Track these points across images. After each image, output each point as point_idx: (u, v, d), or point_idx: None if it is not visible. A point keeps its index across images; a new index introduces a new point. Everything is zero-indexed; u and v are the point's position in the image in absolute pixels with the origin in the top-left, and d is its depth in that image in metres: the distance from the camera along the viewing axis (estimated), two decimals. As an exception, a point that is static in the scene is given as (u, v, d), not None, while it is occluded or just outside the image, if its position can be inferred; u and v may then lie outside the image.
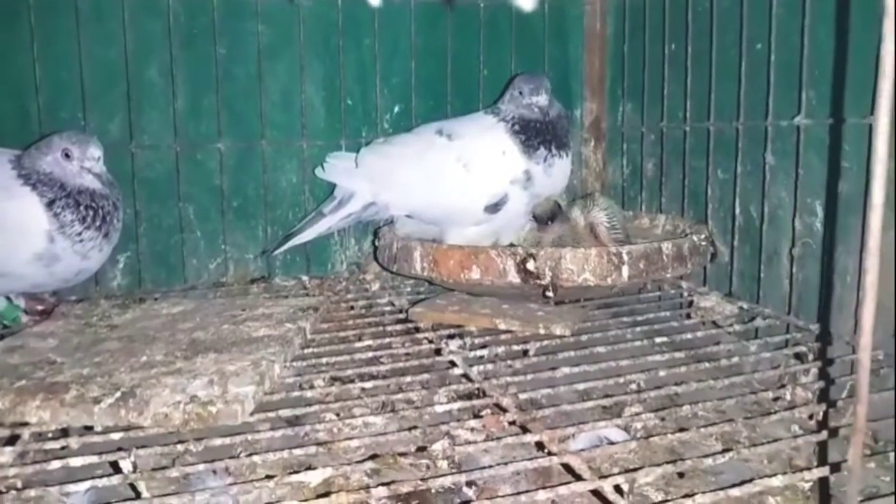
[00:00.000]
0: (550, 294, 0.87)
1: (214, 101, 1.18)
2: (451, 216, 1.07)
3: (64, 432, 0.67)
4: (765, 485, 0.51)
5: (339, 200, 1.14)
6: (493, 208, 1.04)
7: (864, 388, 0.38)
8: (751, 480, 0.52)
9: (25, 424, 0.66)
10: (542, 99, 1.02)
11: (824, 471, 0.54)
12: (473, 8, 1.29)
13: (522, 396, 0.70)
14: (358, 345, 0.89)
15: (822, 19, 0.87)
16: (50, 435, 0.66)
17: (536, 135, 1.02)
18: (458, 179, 1.04)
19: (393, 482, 0.53)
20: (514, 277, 0.87)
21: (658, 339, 0.87)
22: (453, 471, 0.61)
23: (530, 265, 0.86)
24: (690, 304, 1.03)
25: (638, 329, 0.91)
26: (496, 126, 1.04)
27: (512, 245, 1.09)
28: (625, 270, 0.87)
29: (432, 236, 1.10)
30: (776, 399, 0.71)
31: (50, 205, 0.91)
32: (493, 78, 1.31)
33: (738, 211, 1.04)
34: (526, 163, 1.02)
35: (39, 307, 1.04)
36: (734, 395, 0.71)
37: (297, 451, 0.59)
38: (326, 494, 0.51)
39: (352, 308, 1.07)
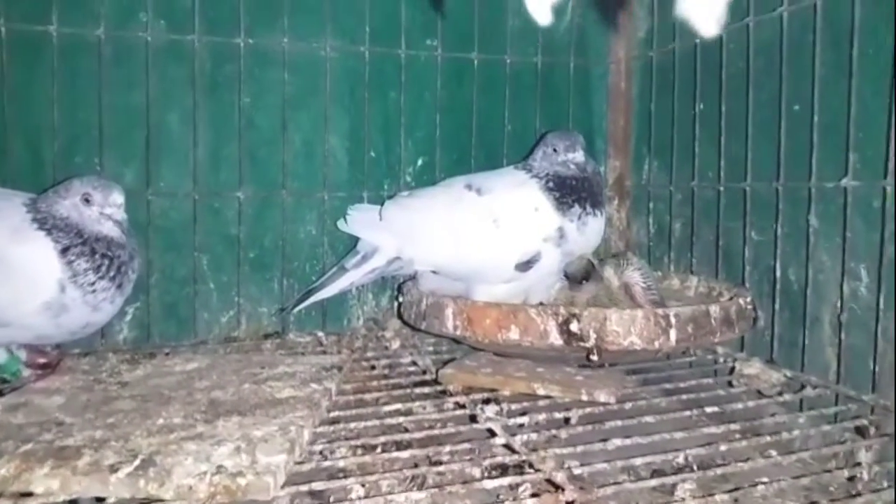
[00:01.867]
0: (595, 358, 0.82)
1: (236, 150, 1.14)
2: (480, 273, 1.03)
3: (73, 504, 0.60)
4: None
5: (362, 255, 1.09)
6: (525, 266, 1.00)
7: None
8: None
9: (30, 495, 0.59)
10: (579, 155, 0.99)
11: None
12: (499, 64, 1.28)
13: (576, 472, 0.65)
14: (386, 409, 0.83)
15: (869, 79, 0.86)
16: (54, 506, 0.59)
17: (571, 192, 0.99)
18: (488, 235, 1.00)
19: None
20: (555, 339, 0.82)
21: (708, 409, 0.81)
22: None
23: (574, 326, 0.81)
24: (731, 370, 0.98)
25: (684, 397, 0.86)
26: (529, 182, 1.01)
27: (542, 304, 1.04)
28: (672, 334, 0.82)
29: (457, 293, 1.06)
30: (851, 479, 0.66)
31: (64, 252, 0.86)
32: (517, 134, 1.30)
33: (778, 274, 1.00)
34: (560, 220, 0.99)
35: (42, 360, 0.97)
36: (806, 474, 0.66)
37: (340, 533, 0.53)
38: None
39: (373, 368, 1.01)
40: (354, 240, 1.16)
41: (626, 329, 0.81)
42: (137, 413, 0.73)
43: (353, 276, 1.10)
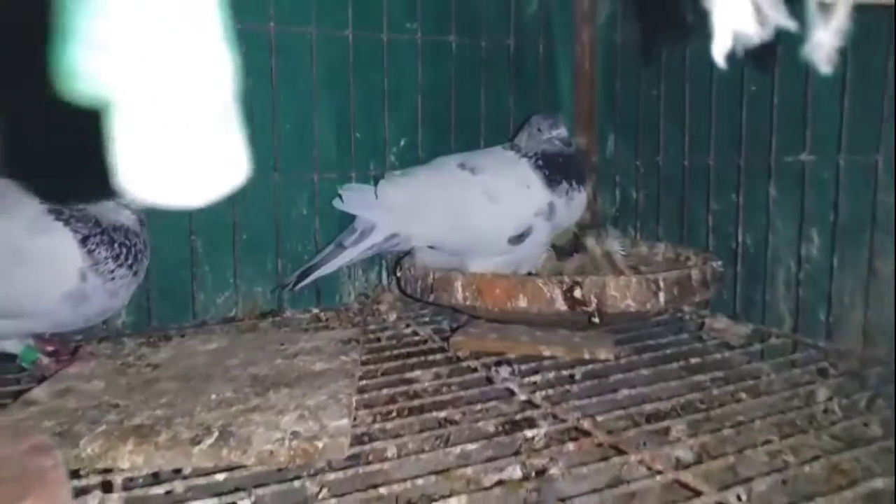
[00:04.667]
0: (596, 320, 0.92)
1: (227, 134, 1.16)
2: (476, 247, 1.10)
3: (154, 477, 0.65)
4: (874, 487, 0.57)
5: (360, 232, 1.15)
6: (517, 239, 1.08)
7: None
8: (856, 482, 0.58)
9: (110, 471, 0.63)
10: (563, 131, 1.08)
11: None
12: (475, 47, 1.34)
13: (599, 419, 0.74)
14: (409, 375, 0.90)
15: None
16: (141, 481, 0.64)
17: (559, 170, 1.08)
18: (484, 212, 1.08)
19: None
20: (561, 305, 0.91)
21: (692, 361, 0.93)
22: (587, 489, 0.62)
23: (577, 293, 0.91)
24: (701, 326, 1.10)
25: (668, 352, 0.97)
26: (519, 161, 1.09)
27: (530, 274, 1.13)
28: (661, 296, 0.92)
29: (452, 266, 1.13)
30: (826, 411, 0.78)
31: (84, 241, 0.88)
32: (491, 114, 1.37)
33: (740, 240, 1.12)
34: (550, 196, 1.07)
35: (50, 348, 0.99)
36: (776, 412, 0.77)
37: (419, 482, 0.60)
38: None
39: (379, 340, 1.08)
40: (345, 219, 1.21)
41: (622, 293, 0.91)
42: (186, 391, 0.77)
43: (351, 253, 1.15)
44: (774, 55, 0.99)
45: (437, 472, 0.63)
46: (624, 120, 1.37)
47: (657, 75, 1.26)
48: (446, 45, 1.32)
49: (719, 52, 0.29)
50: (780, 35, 0.32)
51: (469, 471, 0.64)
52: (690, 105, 1.20)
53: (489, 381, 0.89)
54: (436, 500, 0.57)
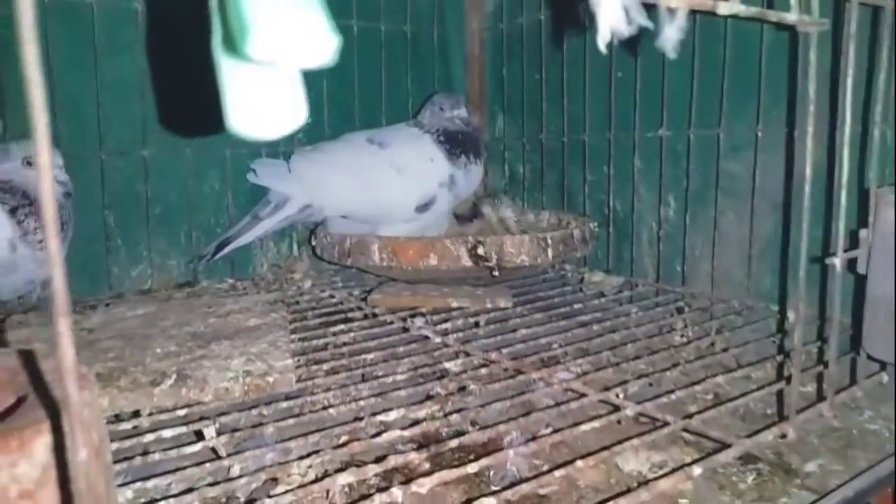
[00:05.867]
0: (497, 274, 1.06)
1: (139, 110, 1.20)
2: (385, 216, 1.21)
3: (116, 417, 0.71)
4: (716, 382, 0.74)
5: (274, 204, 1.22)
6: (423, 208, 1.20)
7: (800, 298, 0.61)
8: (703, 380, 0.75)
9: (72, 416, 0.69)
10: (463, 111, 1.20)
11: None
12: (375, 32, 1.44)
13: (504, 352, 0.88)
14: (332, 330, 1.00)
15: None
16: (105, 420, 0.70)
17: (459, 145, 1.21)
18: (393, 183, 1.19)
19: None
20: (466, 262, 1.04)
21: (576, 306, 1.09)
22: (497, 399, 0.75)
23: (480, 250, 1.04)
24: (581, 280, 1.27)
25: (556, 300, 1.13)
26: (423, 137, 1.21)
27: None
28: (550, 252, 1.08)
29: (362, 234, 1.23)
30: (682, 336, 0.96)
31: (13, 212, 0.91)
32: (391, 95, 1.48)
33: (612, 206, 1.31)
34: (451, 168, 1.20)
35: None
36: (660, 334, 0.95)
37: (362, 402, 0.71)
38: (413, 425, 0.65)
39: (298, 303, 1.16)
40: (256, 193, 1.28)
41: (518, 250, 1.06)
42: (130, 348, 0.83)
43: (267, 225, 1.23)
44: (638, 44, 1.17)
45: (376, 395, 0.74)
46: (511, 101, 1.52)
47: (539, 62, 1.42)
48: (349, 29, 1.40)
49: (601, 42, 0.41)
50: (643, 31, 0.46)
51: (402, 393, 0.75)
52: (568, 88, 1.36)
53: (406, 330, 1.01)
54: (377, 413, 0.68)
